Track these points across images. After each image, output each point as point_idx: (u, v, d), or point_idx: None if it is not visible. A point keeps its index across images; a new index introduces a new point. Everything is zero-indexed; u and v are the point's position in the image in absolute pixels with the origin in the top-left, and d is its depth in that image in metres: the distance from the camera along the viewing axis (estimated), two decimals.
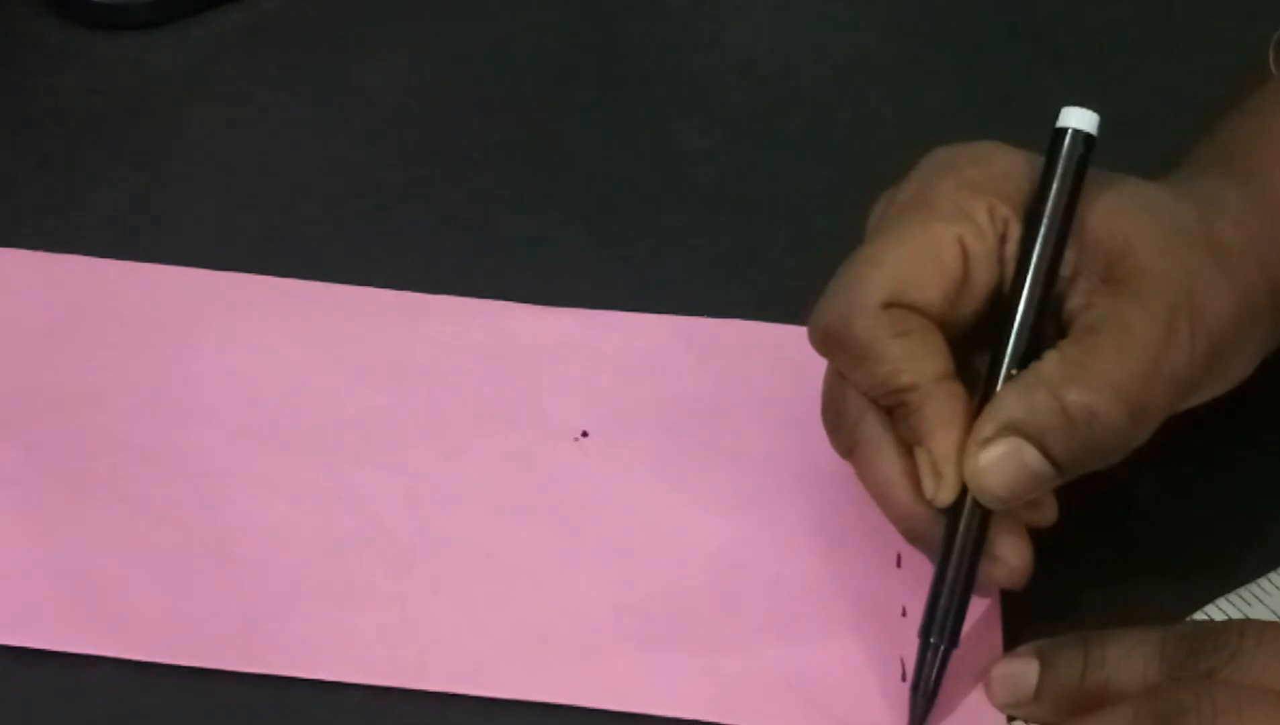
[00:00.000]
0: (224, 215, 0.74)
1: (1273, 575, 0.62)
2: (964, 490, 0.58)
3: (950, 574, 0.58)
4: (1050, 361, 0.58)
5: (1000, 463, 0.57)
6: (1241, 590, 0.62)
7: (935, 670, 0.58)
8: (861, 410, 0.60)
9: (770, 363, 0.65)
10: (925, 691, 0.58)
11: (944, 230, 0.59)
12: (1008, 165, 0.61)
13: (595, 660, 0.60)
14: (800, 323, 0.61)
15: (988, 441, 0.57)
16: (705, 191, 0.75)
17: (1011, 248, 0.60)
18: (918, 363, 0.58)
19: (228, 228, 0.73)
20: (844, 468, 0.66)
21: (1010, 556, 0.59)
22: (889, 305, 0.59)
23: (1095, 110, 0.60)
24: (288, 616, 0.61)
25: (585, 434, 0.67)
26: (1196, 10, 0.84)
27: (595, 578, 0.63)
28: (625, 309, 0.71)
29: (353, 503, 0.64)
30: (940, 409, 0.58)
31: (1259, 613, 0.61)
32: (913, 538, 0.60)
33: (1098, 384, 0.57)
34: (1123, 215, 0.60)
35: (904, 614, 0.62)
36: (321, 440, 0.66)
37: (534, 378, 0.68)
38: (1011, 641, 0.61)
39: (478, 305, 0.71)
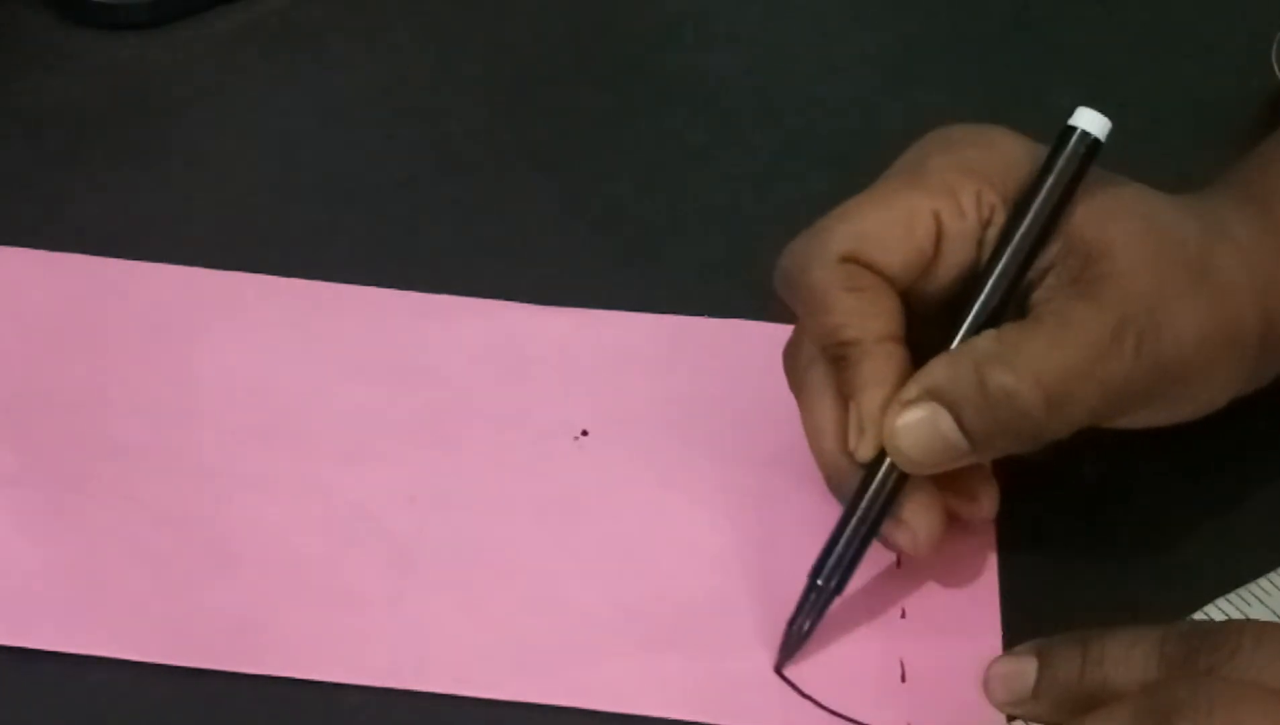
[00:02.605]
0: (224, 215, 0.74)
1: (1273, 575, 0.62)
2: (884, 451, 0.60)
3: (853, 524, 0.60)
4: (986, 339, 0.59)
5: (916, 425, 0.59)
6: (1241, 590, 0.62)
7: (816, 612, 0.60)
8: (812, 357, 0.62)
9: (770, 362, 0.65)
10: (799, 631, 0.60)
11: (922, 202, 0.61)
12: (1009, 153, 0.62)
13: (595, 661, 0.60)
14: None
15: (909, 403, 0.59)
16: (705, 191, 0.75)
17: (994, 234, 0.61)
18: (864, 319, 0.60)
19: (228, 228, 0.73)
20: None
21: (917, 525, 0.60)
22: (847, 259, 0.60)
23: (1087, 106, 0.61)
24: (288, 616, 0.61)
25: (585, 434, 0.67)
26: (1197, 9, 0.84)
27: (595, 578, 0.63)
28: (625, 309, 0.71)
29: (352, 503, 0.64)
30: (876, 368, 0.59)
31: (1259, 613, 0.61)
32: (833, 487, 0.62)
33: (1021, 367, 0.58)
34: (1114, 220, 0.60)
35: (903, 615, 0.62)
36: (321, 440, 0.66)
37: (534, 377, 0.68)
38: (1010, 641, 0.61)
39: (478, 305, 0.71)
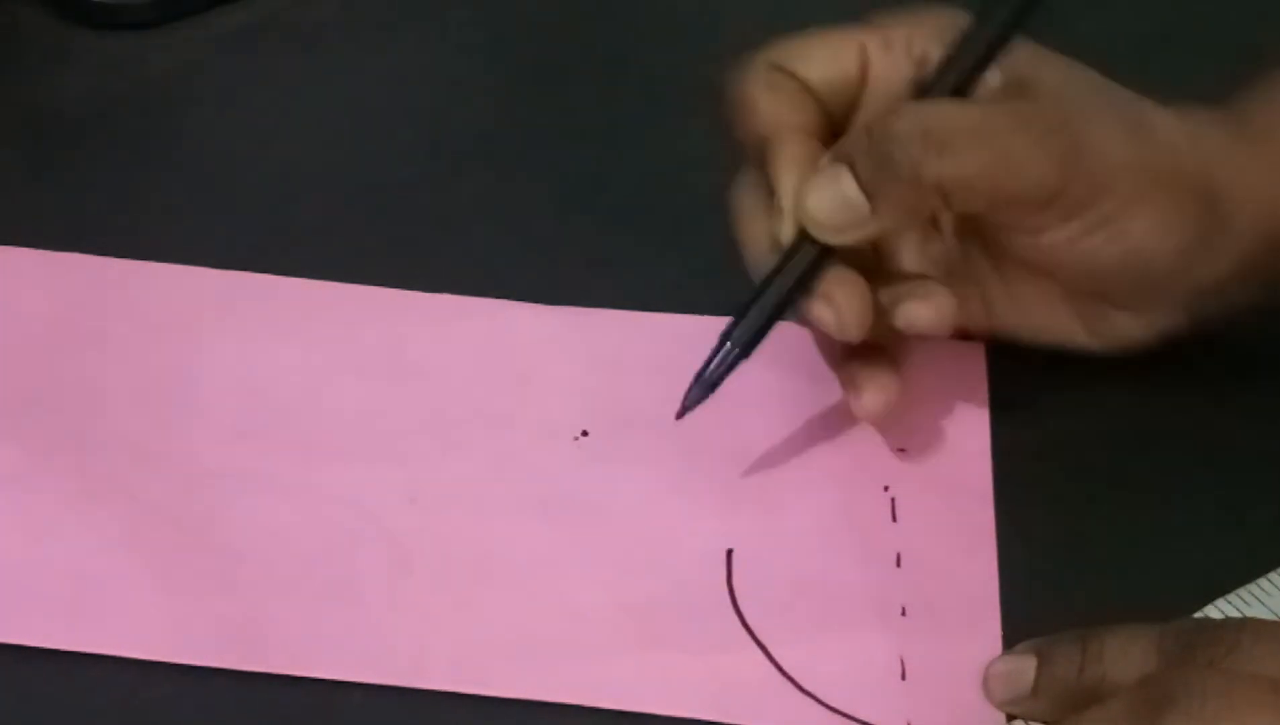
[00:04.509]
0: (224, 215, 0.74)
1: (1273, 575, 0.62)
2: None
3: (769, 292, 0.63)
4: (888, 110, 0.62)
5: (820, 186, 0.62)
6: (1241, 590, 0.62)
7: (721, 371, 0.63)
8: (749, 186, 0.65)
9: (770, 362, 0.65)
10: (706, 383, 0.63)
11: (852, 34, 0.66)
12: (953, 17, 0.64)
13: (595, 660, 0.60)
14: (800, 322, 0.62)
15: (820, 170, 0.62)
16: (705, 191, 0.75)
17: (930, 73, 0.63)
18: (781, 114, 0.64)
19: (228, 227, 0.73)
20: (844, 468, 0.66)
21: (838, 297, 0.62)
22: (774, 69, 0.65)
23: None
24: (288, 615, 0.61)
25: (585, 434, 0.67)
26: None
27: (595, 577, 0.63)
28: (625, 309, 0.71)
29: (353, 502, 0.64)
30: (792, 154, 0.63)
31: (1259, 613, 0.61)
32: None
33: (909, 113, 0.62)
34: (1051, 64, 0.64)
35: (904, 614, 0.62)
36: (321, 439, 0.66)
37: (534, 378, 0.68)
38: (1010, 640, 0.61)
39: (478, 305, 0.71)
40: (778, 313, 0.63)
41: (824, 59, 0.65)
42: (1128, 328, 0.66)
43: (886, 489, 0.65)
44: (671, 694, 0.60)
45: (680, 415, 0.63)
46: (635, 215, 0.75)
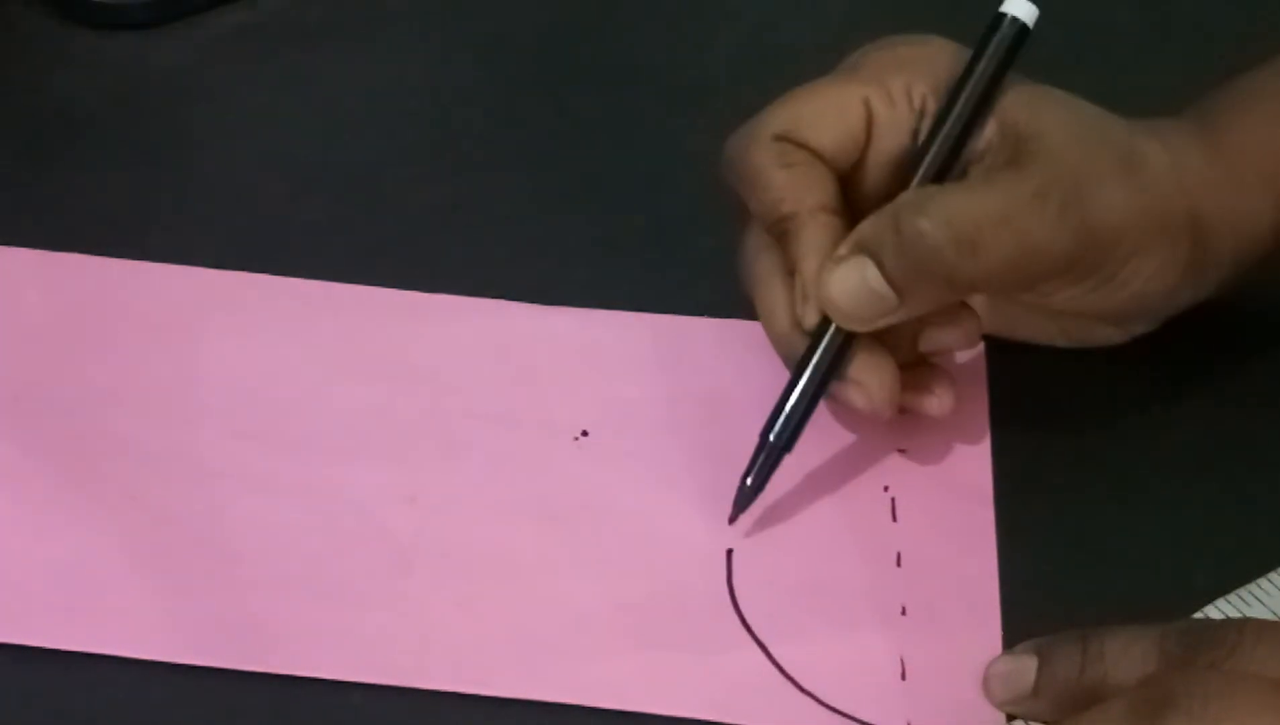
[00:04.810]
0: (224, 215, 0.74)
1: (1273, 575, 0.62)
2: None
3: (801, 385, 0.63)
4: (909, 193, 0.62)
5: (844, 277, 0.61)
6: (1241, 590, 0.62)
7: (768, 468, 0.63)
8: (760, 248, 0.65)
9: (770, 362, 0.65)
10: (755, 485, 0.63)
11: (853, 90, 0.65)
12: (940, 51, 0.65)
13: (595, 660, 0.60)
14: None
15: (840, 260, 0.61)
16: (705, 191, 0.75)
17: (928, 124, 0.64)
18: (798, 192, 0.63)
19: (228, 227, 0.73)
20: (844, 468, 0.66)
21: (868, 381, 0.63)
22: (781, 139, 0.64)
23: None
24: (288, 616, 0.61)
25: (585, 434, 0.67)
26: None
27: (595, 577, 0.63)
28: (625, 309, 0.71)
29: (353, 502, 0.64)
30: (813, 236, 0.63)
31: (1259, 613, 0.61)
32: (789, 363, 0.64)
33: (934, 210, 0.61)
34: (1045, 109, 0.63)
35: (904, 613, 0.62)
36: (322, 440, 0.66)
37: (534, 378, 0.68)
38: (1010, 640, 0.61)
39: (478, 305, 0.71)
40: (813, 403, 0.63)
41: (831, 123, 0.64)
42: (1107, 336, 0.67)
43: (886, 489, 0.65)
44: (671, 694, 0.60)
45: (732, 520, 0.63)
46: (635, 215, 0.75)
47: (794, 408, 0.63)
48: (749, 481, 0.63)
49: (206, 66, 0.80)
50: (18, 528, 0.63)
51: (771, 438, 0.63)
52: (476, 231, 0.74)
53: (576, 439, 0.67)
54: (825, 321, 0.62)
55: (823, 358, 0.63)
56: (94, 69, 0.80)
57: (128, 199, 0.74)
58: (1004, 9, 0.64)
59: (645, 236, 0.74)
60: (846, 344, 0.63)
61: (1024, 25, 0.63)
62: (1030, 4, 0.64)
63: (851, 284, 0.61)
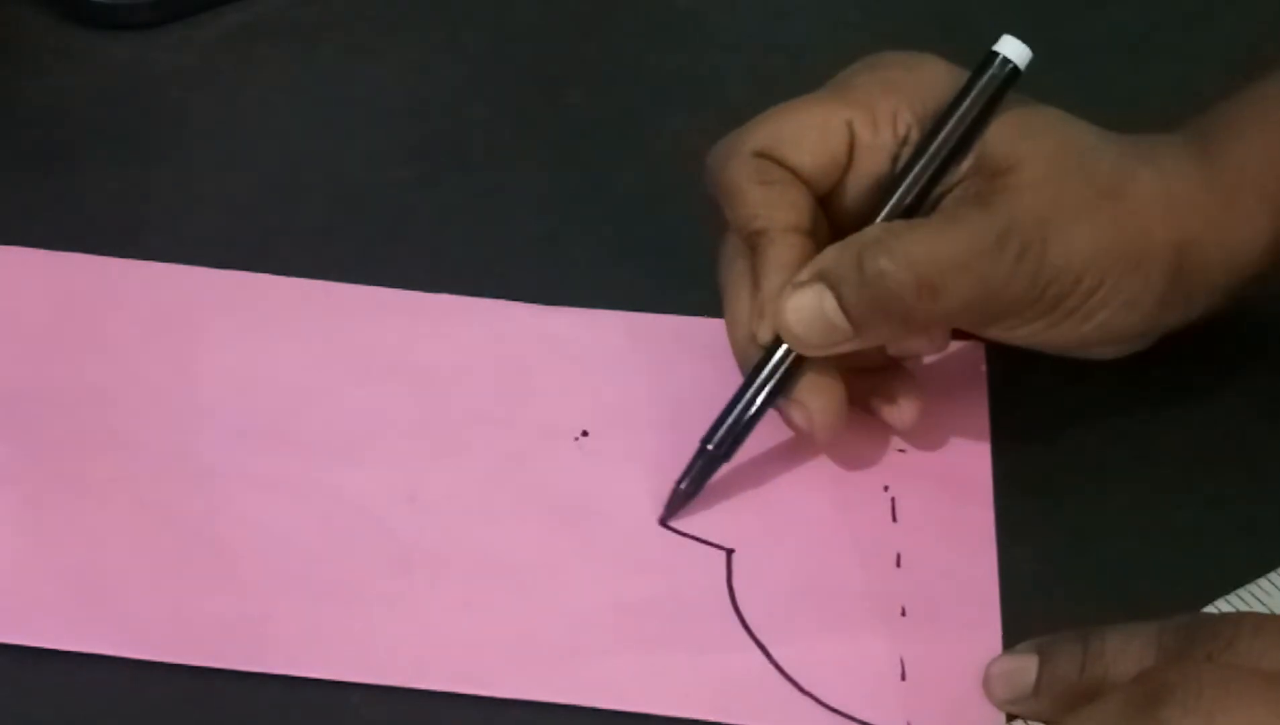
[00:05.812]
0: (224, 215, 0.74)
1: (1273, 575, 0.62)
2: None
3: (745, 397, 0.63)
4: (875, 228, 0.63)
5: (800, 303, 0.62)
6: (1241, 590, 0.62)
7: (703, 474, 0.64)
8: (735, 255, 0.65)
9: None
10: (689, 490, 0.64)
11: (838, 111, 0.64)
12: (932, 76, 0.65)
13: (594, 659, 0.60)
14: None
15: (800, 286, 0.62)
16: (706, 191, 0.75)
17: (908, 152, 0.64)
18: (772, 211, 0.63)
19: (228, 227, 0.73)
20: (844, 468, 0.66)
21: (811, 403, 0.63)
22: (761, 155, 0.64)
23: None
24: (288, 614, 0.61)
25: (585, 434, 0.67)
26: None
27: (595, 578, 0.63)
28: (626, 309, 0.71)
29: (353, 502, 0.64)
30: (779, 255, 0.63)
31: (1258, 612, 0.61)
32: (744, 371, 0.64)
33: (898, 252, 0.61)
34: (1028, 137, 0.63)
35: (904, 614, 0.62)
36: (322, 439, 0.66)
37: (534, 378, 0.68)
38: (1010, 640, 0.61)
39: (478, 305, 0.71)
40: (756, 417, 0.64)
41: (812, 144, 0.64)
42: (1100, 352, 0.66)
43: (886, 489, 0.65)
44: (671, 694, 0.60)
45: (662, 521, 0.64)
46: (635, 215, 0.75)
47: (735, 419, 0.64)
48: (683, 486, 0.64)
49: (206, 66, 0.80)
50: (17, 527, 0.63)
51: (711, 447, 0.64)
52: (476, 231, 0.74)
53: (576, 439, 0.67)
54: (778, 340, 0.63)
55: (770, 374, 0.63)
56: (94, 69, 0.80)
57: (128, 199, 0.74)
58: (997, 48, 0.63)
59: (645, 237, 0.74)
60: (796, 364, 0.63)
61: (1015, 67, 0.63)
62: (1023, 45, 0.63)
63: (807, 312, 0.62)
